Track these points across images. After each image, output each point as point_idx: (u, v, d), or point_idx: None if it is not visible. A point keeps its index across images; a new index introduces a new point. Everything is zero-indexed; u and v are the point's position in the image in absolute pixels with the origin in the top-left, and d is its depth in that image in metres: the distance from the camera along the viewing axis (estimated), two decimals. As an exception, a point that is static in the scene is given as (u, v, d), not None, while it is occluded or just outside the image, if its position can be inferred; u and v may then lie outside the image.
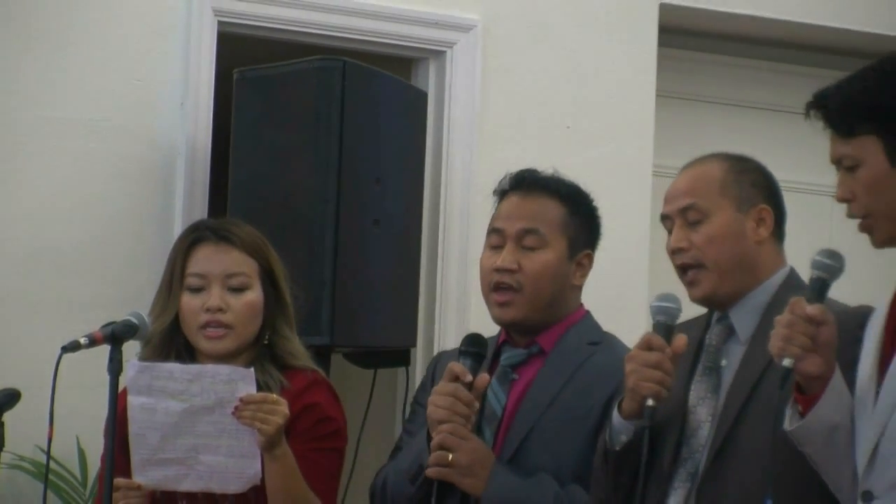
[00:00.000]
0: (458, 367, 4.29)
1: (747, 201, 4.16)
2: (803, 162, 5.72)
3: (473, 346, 4.36)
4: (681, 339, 4.04)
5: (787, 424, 3.70)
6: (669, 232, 4.19)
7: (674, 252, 4.16)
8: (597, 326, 4.51)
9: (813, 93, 3.80)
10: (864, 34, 6.78)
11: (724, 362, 4.11)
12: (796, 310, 3.66)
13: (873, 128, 3.68)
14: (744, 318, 4.12)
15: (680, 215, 4.16)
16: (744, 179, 4.19)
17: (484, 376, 4.31)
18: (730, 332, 4.14)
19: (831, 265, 3.73)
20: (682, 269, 4.16)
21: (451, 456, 4.34)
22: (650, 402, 3.97)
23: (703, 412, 4.10)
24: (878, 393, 3.72)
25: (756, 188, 4.19)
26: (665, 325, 4.04)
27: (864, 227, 3.73)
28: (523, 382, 4.46)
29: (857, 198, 3.72)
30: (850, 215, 3.74)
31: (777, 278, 4.15)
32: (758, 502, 3.85)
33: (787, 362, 3.63)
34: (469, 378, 4.26)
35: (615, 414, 4.07)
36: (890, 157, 3.67)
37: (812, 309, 3.64)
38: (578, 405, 4.31)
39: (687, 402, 4.10)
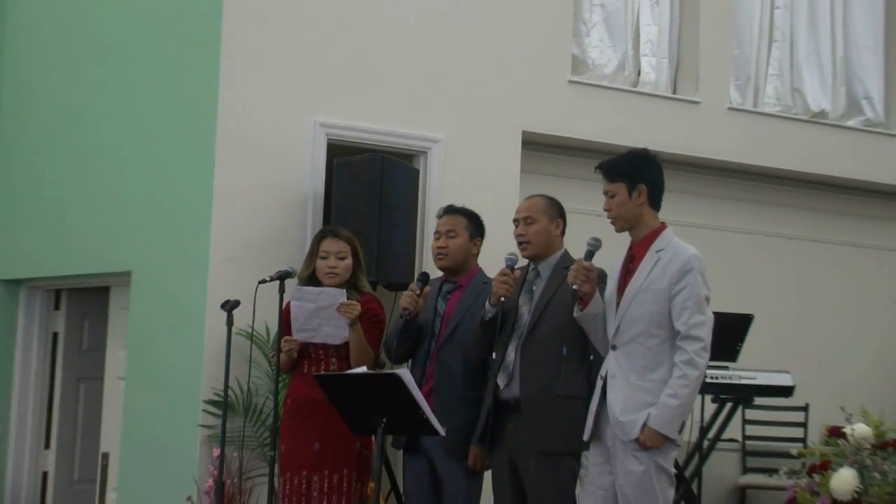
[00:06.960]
0: (413, 286, 4.40)
1: (553, 217, 4.28)
2: (590, 200, 5.21)
3: (422, 277, 4.47)
4: (516, 273, 4.20)
5: (575, 313, 3.89)
6: (516, 227, 4.27)
7: (518, 236, 4.27)
8: (485, 274, 4.50)
9: (599, 162, 3.92)
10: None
11: (535, 287, 4.28)
12: (582, 264, 3.82)
13: (623, 179, 3.84)
14: (544, 269, 4.28)
15: (522, 220, 4.25)
16: (552, 207, 4.31)
17: (427, 289, 4.39)
18: (538, 274, 4.30)
19: (595, 244, 3.90)
20: (521, 244, 4.28)
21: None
22: (503, 298, 4.16)
23: (525, 309, 4.25)
24: (618, 302, 3.85)
25: (557, 211, 4.31)
26: (511, 267, 4.20)
27: (613, 223, 3.86)
28: (453, 300, 4.49)
29: (612, 210, 3.85)
30: (608, 217, 3.85)
31: (560, 252, 4.30)
32: (551, 350, 4.02)
33: (576, 286, 3.80)
34: (419, 291, 4.36)
35: (486, 303, 4.25)
36: (629, 193, 3.82)
37: (587, 264, 3.82)
38: (480, 309, 4.28)
39: (518, 304, 4.26)
